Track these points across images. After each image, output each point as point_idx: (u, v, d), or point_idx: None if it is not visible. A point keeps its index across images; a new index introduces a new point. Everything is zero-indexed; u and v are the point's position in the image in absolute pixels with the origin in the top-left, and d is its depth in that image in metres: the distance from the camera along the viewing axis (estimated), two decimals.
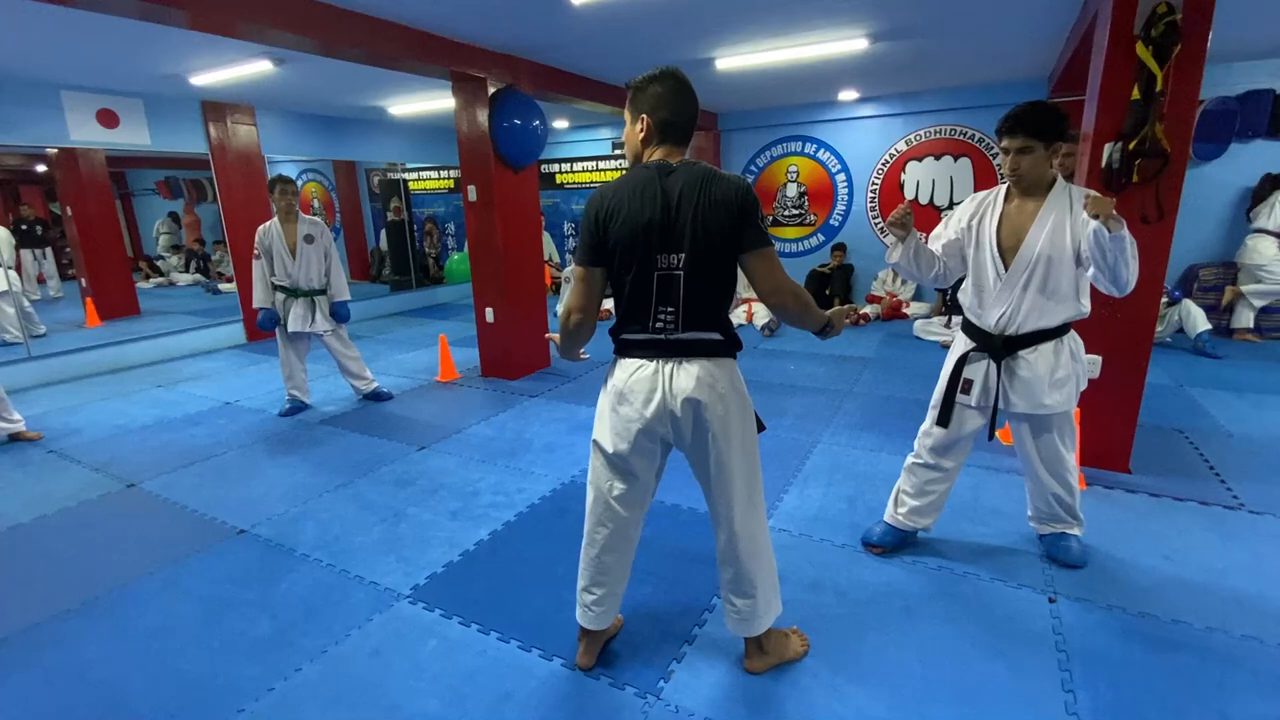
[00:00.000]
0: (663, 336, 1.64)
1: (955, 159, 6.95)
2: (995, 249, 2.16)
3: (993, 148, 6.73)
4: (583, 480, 3.21)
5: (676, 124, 1.63)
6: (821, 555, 2.49)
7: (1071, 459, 2.29)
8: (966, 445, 2.36)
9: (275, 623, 2.19)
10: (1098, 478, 3.04)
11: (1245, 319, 5.46)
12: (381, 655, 2.02)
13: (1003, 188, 2.23)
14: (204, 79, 5.18)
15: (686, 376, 1.63)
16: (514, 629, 2.12)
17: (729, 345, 1.68)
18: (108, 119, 5.67)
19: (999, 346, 2.18)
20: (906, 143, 7.13)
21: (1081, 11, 3.76)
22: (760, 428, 1.78)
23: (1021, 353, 2.17)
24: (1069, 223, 2.05)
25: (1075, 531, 2.41)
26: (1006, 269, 2.14)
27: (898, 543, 2.48)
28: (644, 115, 1.63)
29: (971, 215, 2.25)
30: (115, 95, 5.68)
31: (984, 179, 6.85)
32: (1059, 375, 2.15)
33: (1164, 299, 5.09)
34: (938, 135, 6.97)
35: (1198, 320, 5.20)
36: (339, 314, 4.30)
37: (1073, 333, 2.20)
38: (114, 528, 2.92)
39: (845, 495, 2.97)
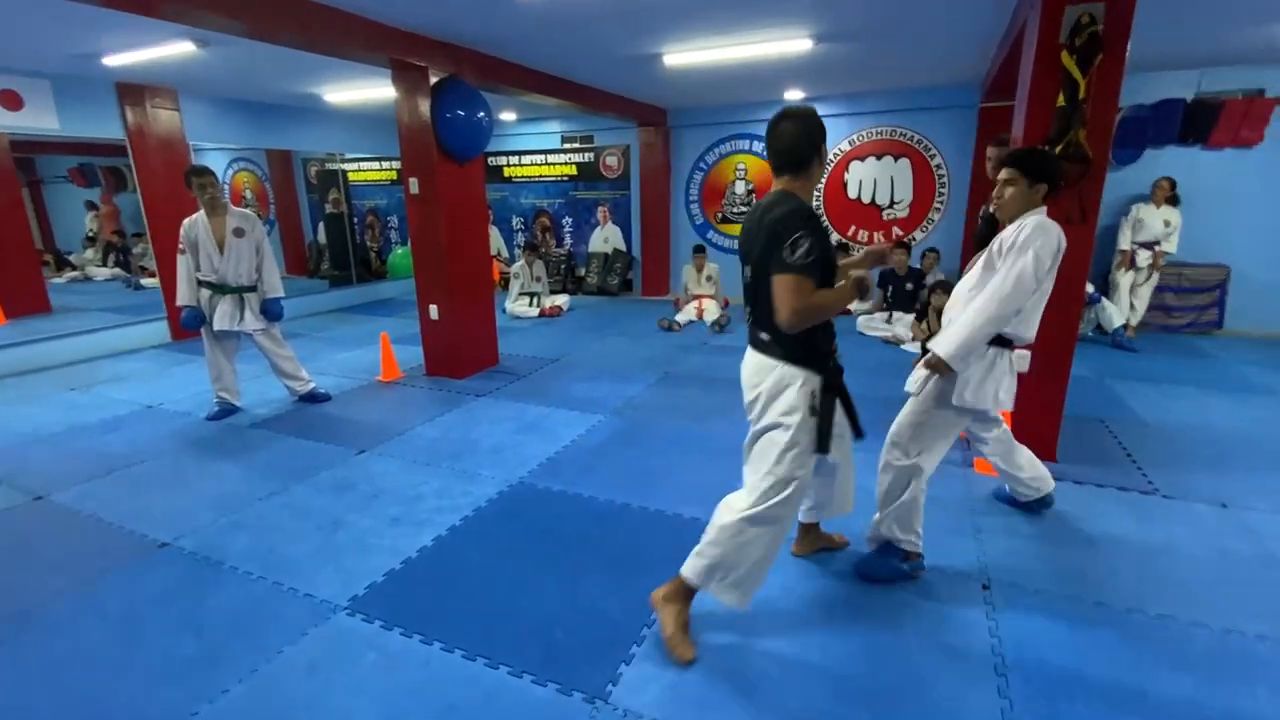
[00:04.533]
0: (749, 328, 2.00)
1: (896, 159, 7.16)
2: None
3: (930, 149, 6.97)
4: (531, 481, 3.17)
5: (773, 160, 1.88)
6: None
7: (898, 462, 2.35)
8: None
9: (200, 642, 2.07)
10: None
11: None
12: (317, 671, 1.93)
13: None
14: (119, 60, 4.84)
15: (747, 361, 1.97)
16: (458, 638, 2.06)
17: (779, 347, 1.87)
18: (9, 100, 5.23)
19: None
20: (850, 143, 7.30)
21: (1011, 21, 3.92)
22: (824, 449, 1.88)
23: None
24: (1001, 239, 2.23)
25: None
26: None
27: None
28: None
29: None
30: (17, 75, 5.24)
31: (923, 179, 7.08)
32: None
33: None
34: (879, 136, 7.16)
35: (1114, 316, 5.55)
36: (271, 312, 4.09)
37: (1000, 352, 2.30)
38: (19, 545, 2.70)
39: None
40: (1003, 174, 2.26)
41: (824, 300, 1.79)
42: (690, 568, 1.98)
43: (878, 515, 2.37)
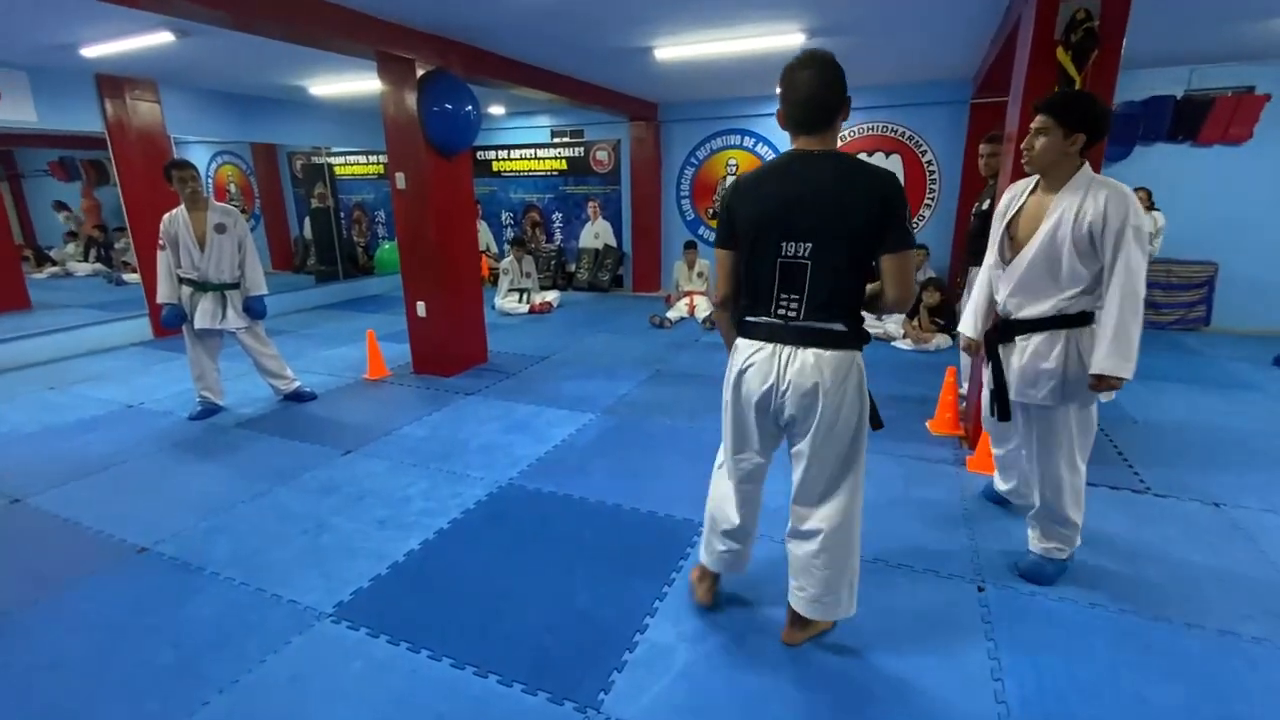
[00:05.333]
0: (783, 323, 1.69)
1: (887, 155, 7.13)
2: (1006, 239, 2.19)
3: (922, 145, 6.95)
4: (520, 482, 3.12)
5: (794, 115, 1.63)
6: (763, 551, 2.48)
7: (1067, 464, 2.17)
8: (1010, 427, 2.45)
9: (179, 651, 2.01)
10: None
11: None
12: (300, 682, 1.88)
13: (1035, 179, 2.16)
14: (97, 51, 4.71)
15: (801, 364, 1.68)
16: (446, 646, 2.01)
17: (855, 338, 1.69)
18: None
19: (1002, 329, 2.23)
20: (841, 139, 7.27)
21: (1005, 16, 3.89)
22: (877, 425, 1.80)
23: (1018, 339, 2.17)
24: (1072, 218, 1.96)
25: (1057, 555, 2.31)
26: (1011, 259, 2.15)
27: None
28: (780, 105, 1.67)
29: (1001, 211, 2.25)
30: None
31: (914, 176, 7.07)
32: (1044, 367, 2.08)
33: None
34: (871, 132, 7.14)
35: None
36: (254, 310, 4.01)
37: (1085, 329, 2.06)
38: None
39: (785, 488, 2.98)
40: (1035, 121, 2.00)
41: None
42: (833, 614, 1.90)
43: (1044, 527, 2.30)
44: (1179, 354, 5.26)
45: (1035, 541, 2.34)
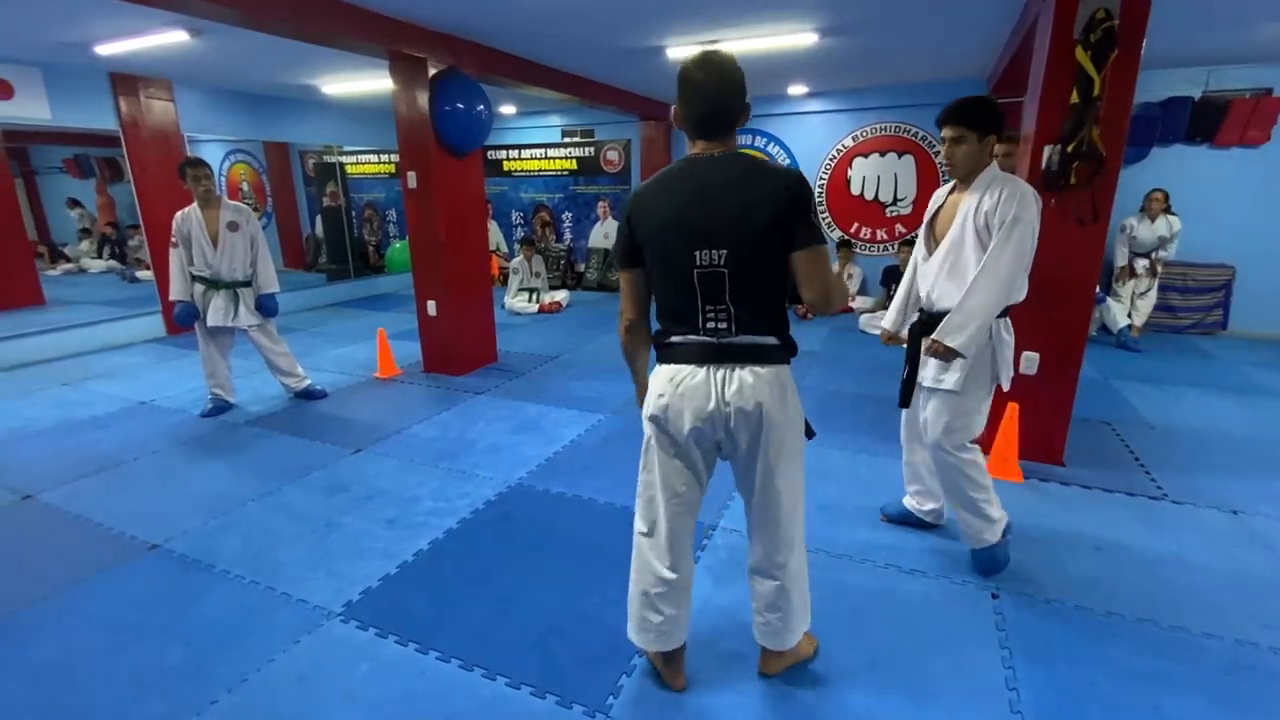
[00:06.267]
0: (715, 340, 1.55)
1: (899, 156, 7.08)
2: (927, 236, 2.33)
3: (935, 145, 6.89)
4: (529, 482, 3.11)
5: (692, 119, 1.54)
6: None
7: (959, 454, 2.23)
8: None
9: (188, 650, 2.01)
10: (1034, 471, 3.13)
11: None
12: (308, 682, 1.87)
13: (954, 182, 2.29)
14: (111, 49, 4.74)
15: (740, 385, 1.54)
16: (455, 647, 2.00)
17: (785, 350, 1.59)
18: (0, 89, 5.14)
19: (925, 322, 2.29)
20: (853, 139, 7.23)
21: (1022, 15, 3.84)
22: (810, 434, 1.72)
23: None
24: (972, 212, 2.12)
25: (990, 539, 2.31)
26: (929, 255, 2.29)
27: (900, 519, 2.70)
28: (674, 106, 1.58)
29: (928, 212, 2.38)
30: (8, 64, 5.14)
31: (927, 176, 7.01)
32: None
33: None
34: (883, 132, 7.08)
35: (1118, 316, 5.50)
36: (266, 307, 4.02)
37: (1001, 320, 2.19)
38: (4, 546, 2.64)
39: None
40: (947, 132, 2.14)
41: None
42: (794, 636, 1.79)
43: (958, 514, 2.32)
44: (1196, 358, 5.19)
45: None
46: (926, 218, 2.37)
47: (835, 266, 7.20)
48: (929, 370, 2.26)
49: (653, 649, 1.81)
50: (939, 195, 2.37)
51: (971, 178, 2.17)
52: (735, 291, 1.51)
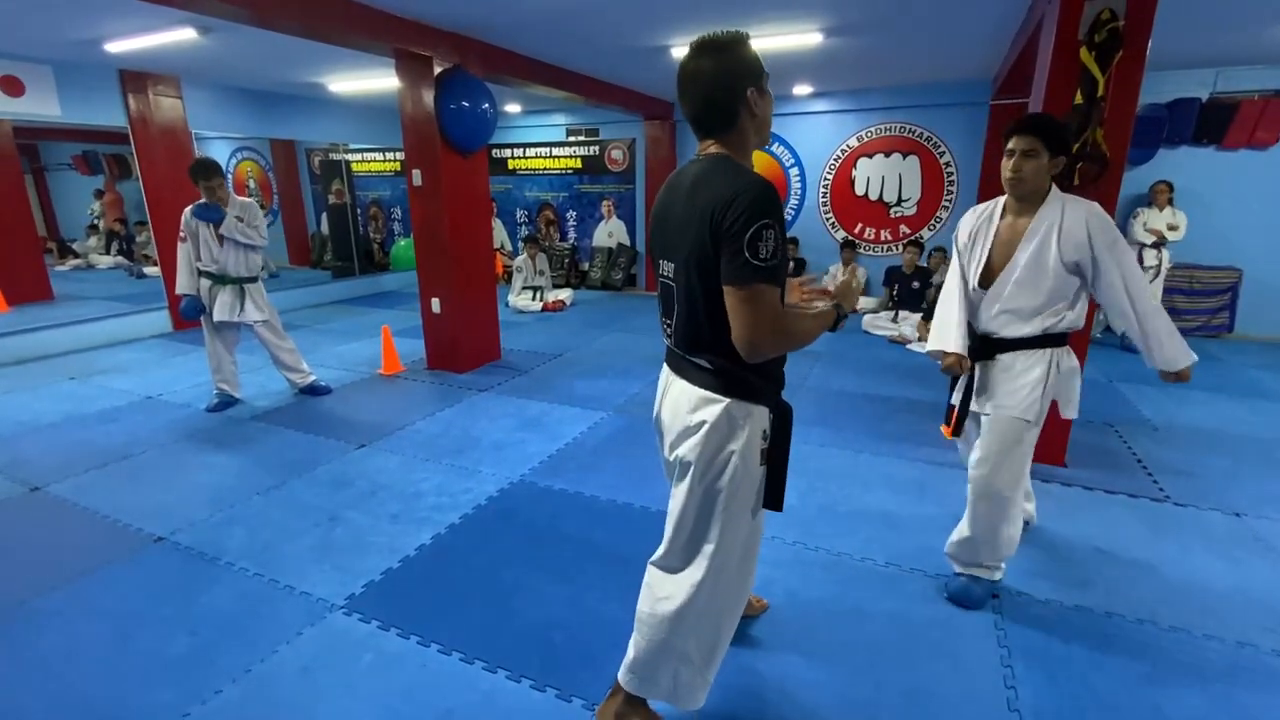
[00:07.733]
0: (669, 346, 1.52)
1: (904, 156, 7.07)
2: (975, 261, 2.16)
3: (940, 146, 6.88)
4: (532, 479, 3.13)
5: (686, 114, 1.40)
6: (772, 554, 2.48)
7: (1007, 474, 2.09)
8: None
9: (194, 640, 2.03)
10: (1036, 471, 3.11)
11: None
12: (311, 673, 1.90)
13: (998, 202, 2.16)
14: (121, 46, 4.78)
15: (674, 395, 1.48)
16: (457, 640, 2.02)
17: (724, 378, 1.38)
18: (11, 86, 5.18)
19: (982, 347, 2.17)
20: (858, 139, 7.22)
21: (1027, 15, 3.84)
22: (772, 505, 1.46)
23: (1000, 356, 2.14)
24: (1055, 239, 1.98)
25: (988, 576, 2.25)
26: (989, 281, 2.12)
27: None
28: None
29: (969, 234, 2.21)
30: (19, 60, 5.19)
31: (931, 177, 7.00)
32: (1024, 382, 2.07)
33: None
34: (888, 132, 7.08)
35: None
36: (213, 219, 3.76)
37: (1062, 349, 2.11)
38: (14, 537, 2.67)
39: (797, 490, 2.96)
40: (1018, 143, 1.98)
41: (800, 328, 1.37)
42: (639, 684, 1.58)
43: (969, 538, 2.18)
44: (1201, 361, 5.09)
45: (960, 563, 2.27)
46: (967, 241, 2.20)
47: (835, 270, 7.21)
48: (996, 397, 2.12)
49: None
50: (980, 217, 2.19)
51: (1033, 198, 2.04)
52: (680, 306, 1.40)
